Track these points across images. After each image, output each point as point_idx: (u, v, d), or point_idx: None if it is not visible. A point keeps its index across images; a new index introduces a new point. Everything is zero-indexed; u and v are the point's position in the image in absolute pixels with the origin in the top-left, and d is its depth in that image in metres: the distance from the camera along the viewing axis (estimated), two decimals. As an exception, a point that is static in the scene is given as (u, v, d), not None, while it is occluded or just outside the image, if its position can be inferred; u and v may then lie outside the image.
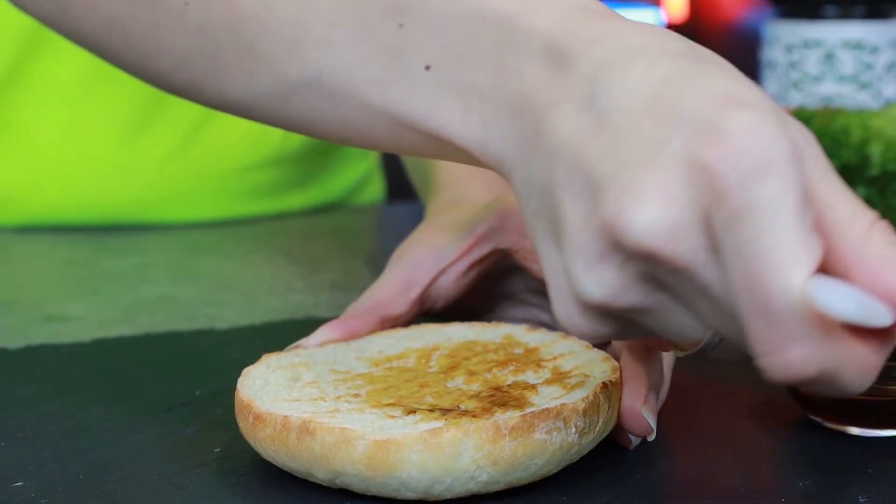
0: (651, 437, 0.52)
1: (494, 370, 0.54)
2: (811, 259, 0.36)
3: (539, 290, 0.64)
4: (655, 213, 0.37)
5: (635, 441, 0.54)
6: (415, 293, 0.61)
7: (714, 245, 0.37)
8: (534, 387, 0.52)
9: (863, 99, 1.12)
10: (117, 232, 0.99)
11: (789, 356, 0.36)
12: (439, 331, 0.60)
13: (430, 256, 0.61)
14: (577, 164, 0.40)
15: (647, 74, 0.39)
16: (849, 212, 0.38)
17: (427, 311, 0.62)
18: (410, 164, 0.85)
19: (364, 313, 0.60)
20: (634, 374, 0.53)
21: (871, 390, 0.54)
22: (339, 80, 0.48)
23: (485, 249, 0.61)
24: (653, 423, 0.52)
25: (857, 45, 1.11)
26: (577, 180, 0.40)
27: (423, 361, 0.56)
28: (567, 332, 0.45)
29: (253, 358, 0.56)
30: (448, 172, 0.74)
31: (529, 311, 0.65)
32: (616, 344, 0.55)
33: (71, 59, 0.97)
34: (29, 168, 0.99)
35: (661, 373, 0.54)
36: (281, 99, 0.50)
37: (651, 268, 0.39)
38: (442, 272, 0.61)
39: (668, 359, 0.57)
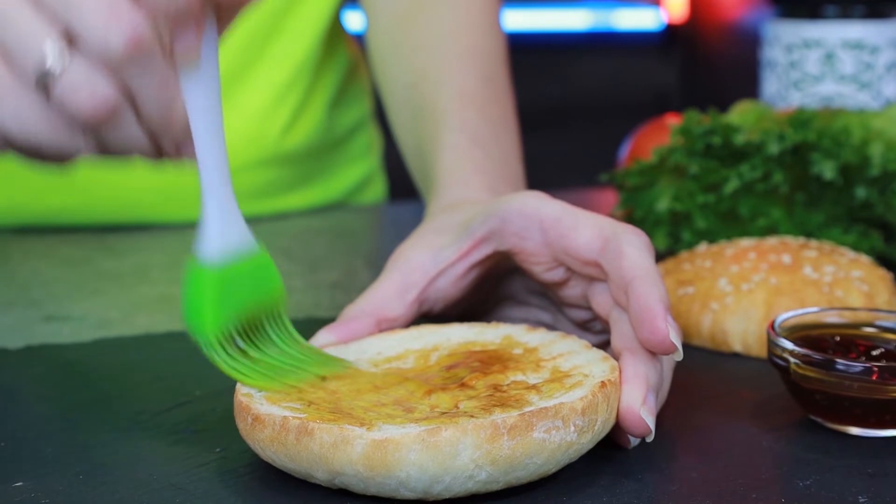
0: (650, 439, 0.52)
1: (493, 370, 0.54)
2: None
3: (539, 291, 0.63)
4: None
5: (634, 441, 0.54)
6: (412, 295, 0.61)
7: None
8: (533, 386, 0.52)
9: (863, 99, 1.12)
10: (117, 232, 0.99)
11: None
12: (438, 331, 0.60)
13: (427, 258, 0.61)
14: None
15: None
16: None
17: (426, 313, 0.62)
18: (413, 163, 0.85)
19: (361, 315, 0.60)
20: (634, 375, 0.52)
21: (871, 390, 0.54)
22: None
23: (484, 252, 0.61)
24: (651, 424, 0.52)
25: (857, 45, 1.11)
26: None
27: (422, 362, 0.56)
28: None
29: (253, 358, 0.56)
30: (450, 172, 0.74)
31: (529, 311, 0.65)
32: (616, 344, 0.55)
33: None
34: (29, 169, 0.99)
35: (661, 373, 0.54)
36: None
37: None
38: (440, 274, 0.61)
39: (668, 360, 0.57)
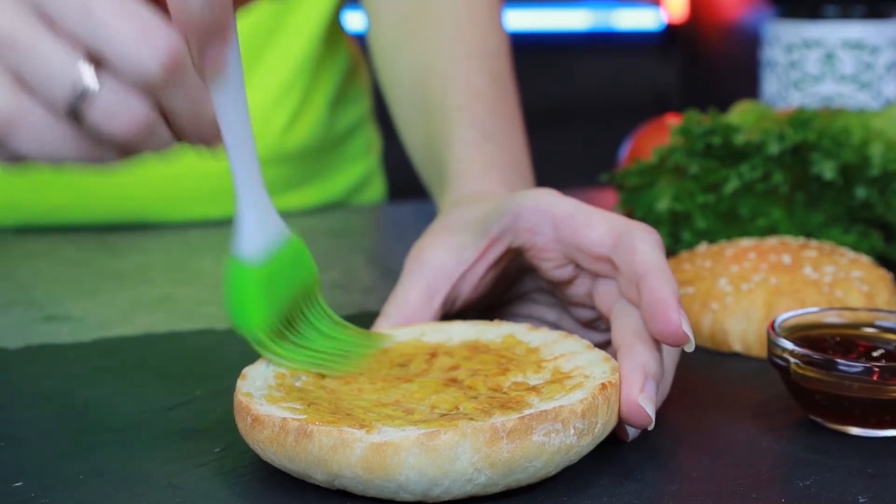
0: (650, 427, 0.52)
1: (494, 371, 0.54)
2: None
3: (547, 289, 0.64)
4: None
5: (633, 433, 0.54)
6: (438, 301, 0.61)
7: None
8: (533, 388, 0.52)
9: (863, 99, 1.12)
10: (117, 232, 0.99)
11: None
12: (440, 329, 0.60)
13: (449, 260, 0.61)
14: None
15: None
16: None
17: (446, 313, 0.62)
18: (421, 159, 0.85)
19: (388, 323, 0.60)
20: (632, 365, 0.53)
21: (871, 390, 0.54)
22: None
23: (499, 250, 0.61)
24: (651, 412, 0.52)
25: (857, 45, 1.11)
26: None
27: (424, 361, 0.56)
28: None
29: (253, 358, 0.56)
30: (464, 165, 0.74)
31: (535, 308, 0.65)
32: (616, 339, 0.55)
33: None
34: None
35: (661, 363, 0.54)
36: None
37: None
38: (462, 277, 0.61)
39: (671, 354, 0.57)
